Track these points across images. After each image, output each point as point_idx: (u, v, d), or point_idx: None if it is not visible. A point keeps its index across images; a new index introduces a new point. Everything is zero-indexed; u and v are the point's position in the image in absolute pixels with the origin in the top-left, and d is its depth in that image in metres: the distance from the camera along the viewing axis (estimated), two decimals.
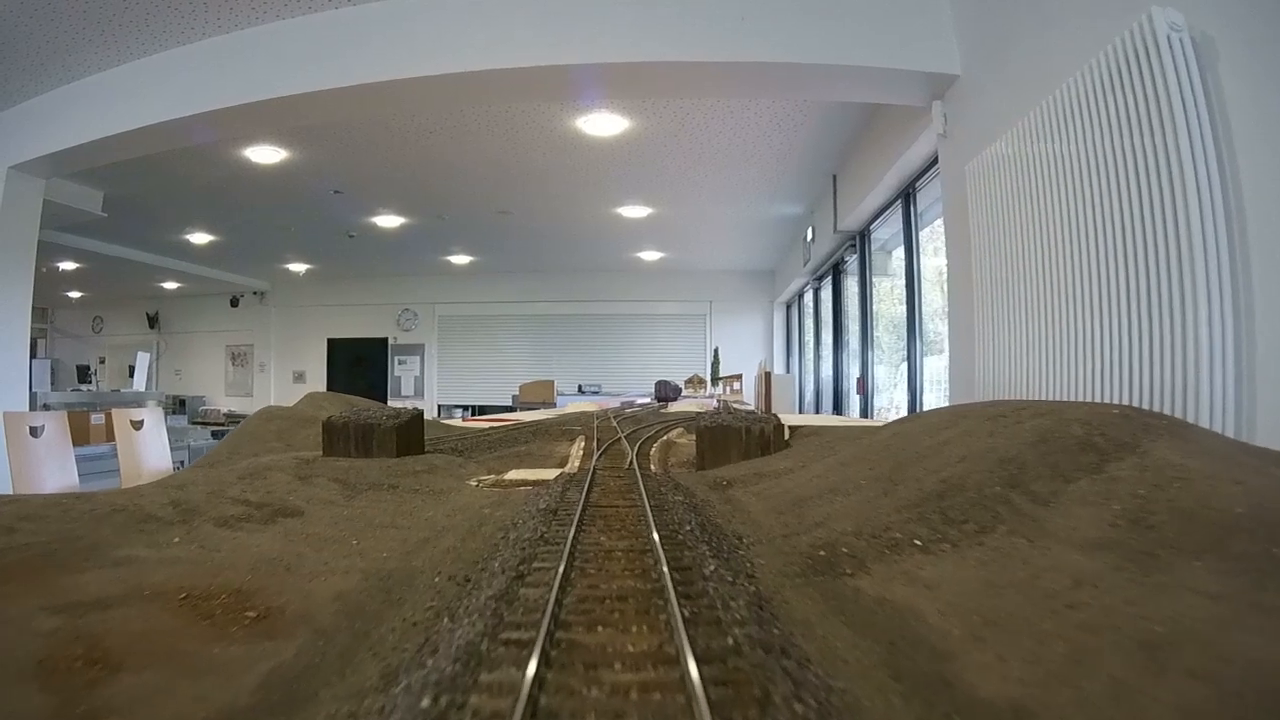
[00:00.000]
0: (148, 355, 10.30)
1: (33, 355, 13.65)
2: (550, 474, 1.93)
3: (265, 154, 6.89)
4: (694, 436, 3.18)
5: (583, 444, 2.79)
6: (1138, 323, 2.46)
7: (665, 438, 3.03)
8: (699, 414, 4.32)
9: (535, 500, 1.39)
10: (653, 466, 2.17)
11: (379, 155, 7.14)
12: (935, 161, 5.14)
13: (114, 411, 4.43)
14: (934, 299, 6.11)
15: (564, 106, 5.91)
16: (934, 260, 6.05)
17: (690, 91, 5.14)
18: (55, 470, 3.96)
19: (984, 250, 3.60)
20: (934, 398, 6.05)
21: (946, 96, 4.35)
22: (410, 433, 2.25)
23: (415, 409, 2.32)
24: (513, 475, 1.99)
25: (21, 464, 3.79)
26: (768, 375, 4.11)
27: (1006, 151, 3.37)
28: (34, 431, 3.94)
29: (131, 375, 11.20)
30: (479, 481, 1.91)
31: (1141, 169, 2.43)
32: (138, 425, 4.43)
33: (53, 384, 11.60)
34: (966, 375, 3.89)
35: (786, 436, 2.33)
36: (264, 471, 1.71)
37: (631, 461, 2.09)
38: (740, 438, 2.15)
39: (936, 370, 6.08)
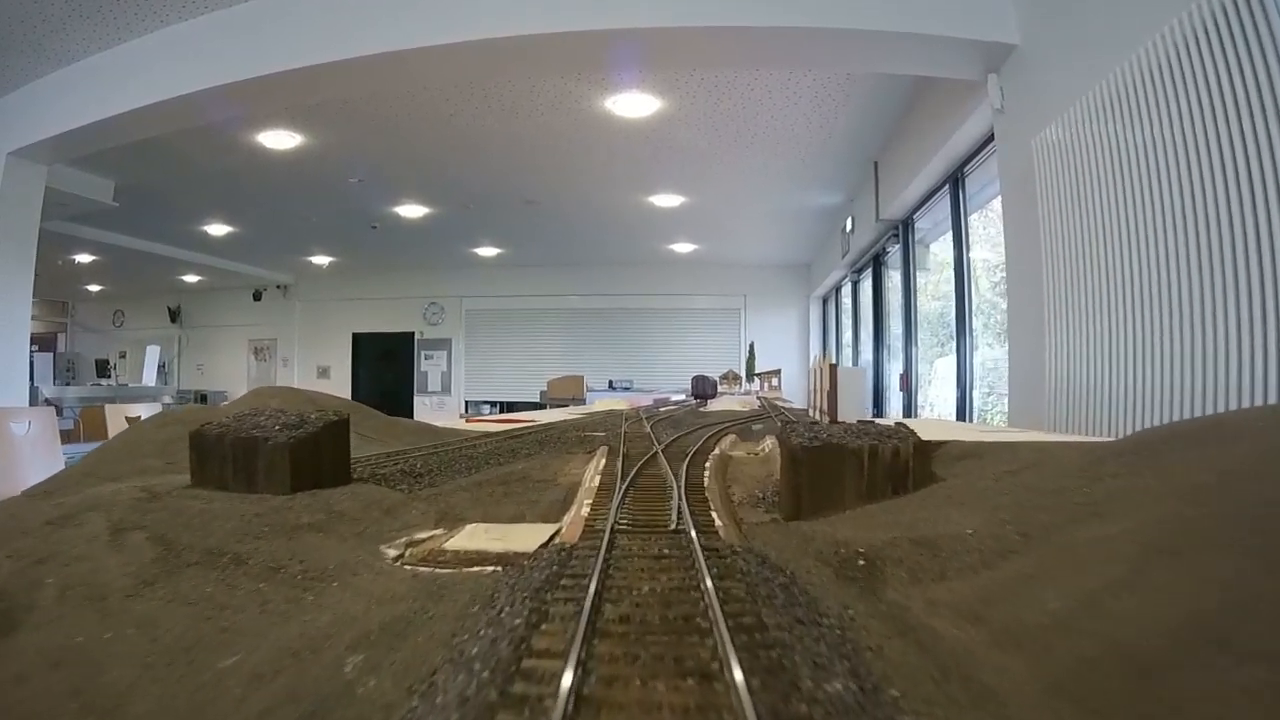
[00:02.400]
0: (158, 349, 10.15)
1: (52, 349, 13.74)
2: (535, 536, 1.25)
3: (279, 139, 6.63)
4: (763, 448, 2.46)
5: (603, 462, 2.04)
6: (1247, 315, 2.16)
7: (717, 450, 2.30)
8: (749, 415, 3.81)
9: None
10: (715, 516, 1.36)
11: (400, 141, 6.85)
12: (988, 142, 4.88)
13: (108, 407, 4.20)
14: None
15: (593, 85, 5.58)
16: (971, 253, 5.81)
17: (729, 61, 4.80)
18: (41, 468, 3.76)
19: (1056, 235, 3.27)
20: (975, 395, 5.83)
21: (1003, 69, 4.11)
22: (317, 453, 1.57)
23: (334, 414, 1.70)
24: (462, 541, 1.25)
25: (2, 462, 3.58)
26: (832, 368, 3.59)
27: (1079, 125, 3.07)
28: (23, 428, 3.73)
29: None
30: (406, 549, 1.23)
31: (1248, 136, 2.14)
32: (133, 422, 4.20)
33: (72, 379, 11.47)
34: (1033, 372, 3.59)
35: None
36: (82, 514, 1.21)
37: (679, 509, 1.34)
38: (859, 465, 1.36)
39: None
